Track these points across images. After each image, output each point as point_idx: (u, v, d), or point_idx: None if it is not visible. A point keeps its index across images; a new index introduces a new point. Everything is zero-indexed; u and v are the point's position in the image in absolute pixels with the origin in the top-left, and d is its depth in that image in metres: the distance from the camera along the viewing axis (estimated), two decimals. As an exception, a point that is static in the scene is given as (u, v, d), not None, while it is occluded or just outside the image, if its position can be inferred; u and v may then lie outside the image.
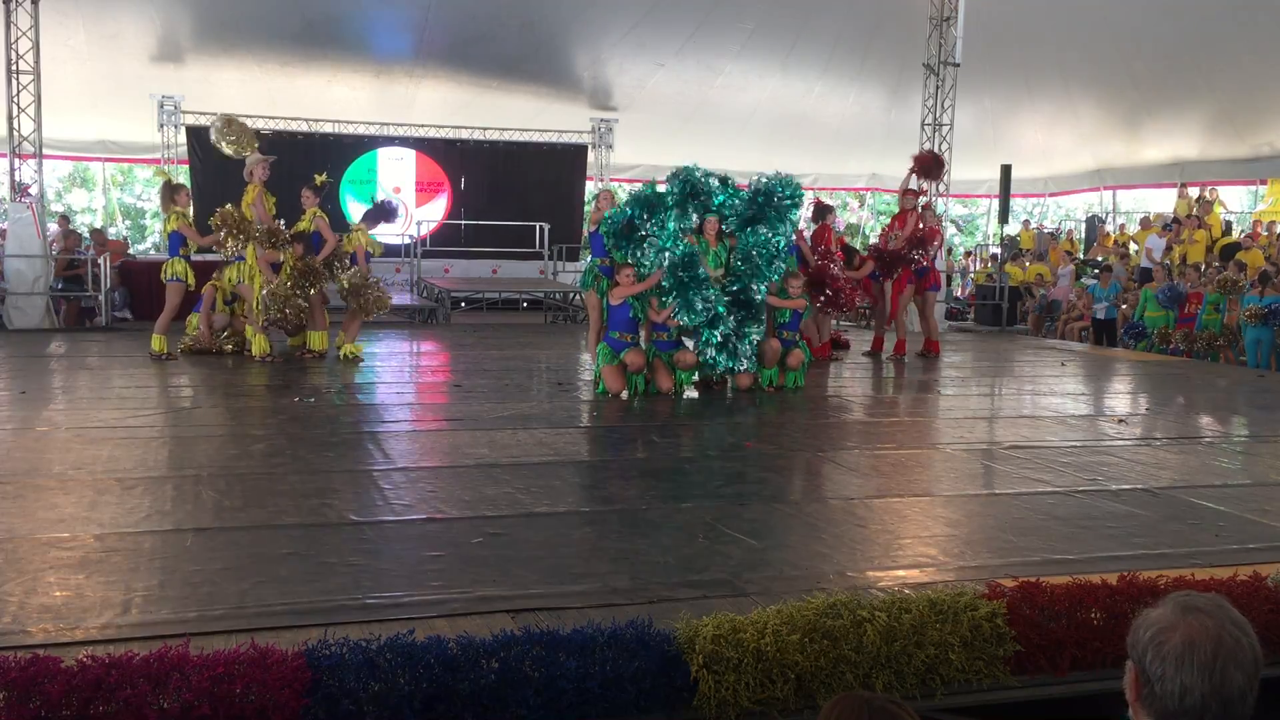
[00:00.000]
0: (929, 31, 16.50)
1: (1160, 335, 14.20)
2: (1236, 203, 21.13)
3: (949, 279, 18.43)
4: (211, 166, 18.57)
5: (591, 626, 3.36)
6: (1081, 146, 22.23)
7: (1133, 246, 19.14)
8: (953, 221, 24.55)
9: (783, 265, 9.41)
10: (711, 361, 9.07)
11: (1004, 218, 19.01)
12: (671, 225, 8.93)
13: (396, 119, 20.04)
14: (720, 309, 9.04)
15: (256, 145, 11.20)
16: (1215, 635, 1.64)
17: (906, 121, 18.30)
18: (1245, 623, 1.69)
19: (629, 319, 8.88)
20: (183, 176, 19.65)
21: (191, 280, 10.71)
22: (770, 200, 9.40)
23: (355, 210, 18.57)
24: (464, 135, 20.31)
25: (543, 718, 3.14)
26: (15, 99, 13.67)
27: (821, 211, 12.25)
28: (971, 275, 21.26)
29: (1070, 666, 3.63)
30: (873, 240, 14.49)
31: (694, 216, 9.32)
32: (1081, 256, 20.02)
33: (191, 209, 11.79)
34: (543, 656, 3.18)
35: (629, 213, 9.02)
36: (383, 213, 11.61)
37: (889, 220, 12.87)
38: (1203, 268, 15.64)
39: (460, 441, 7.03)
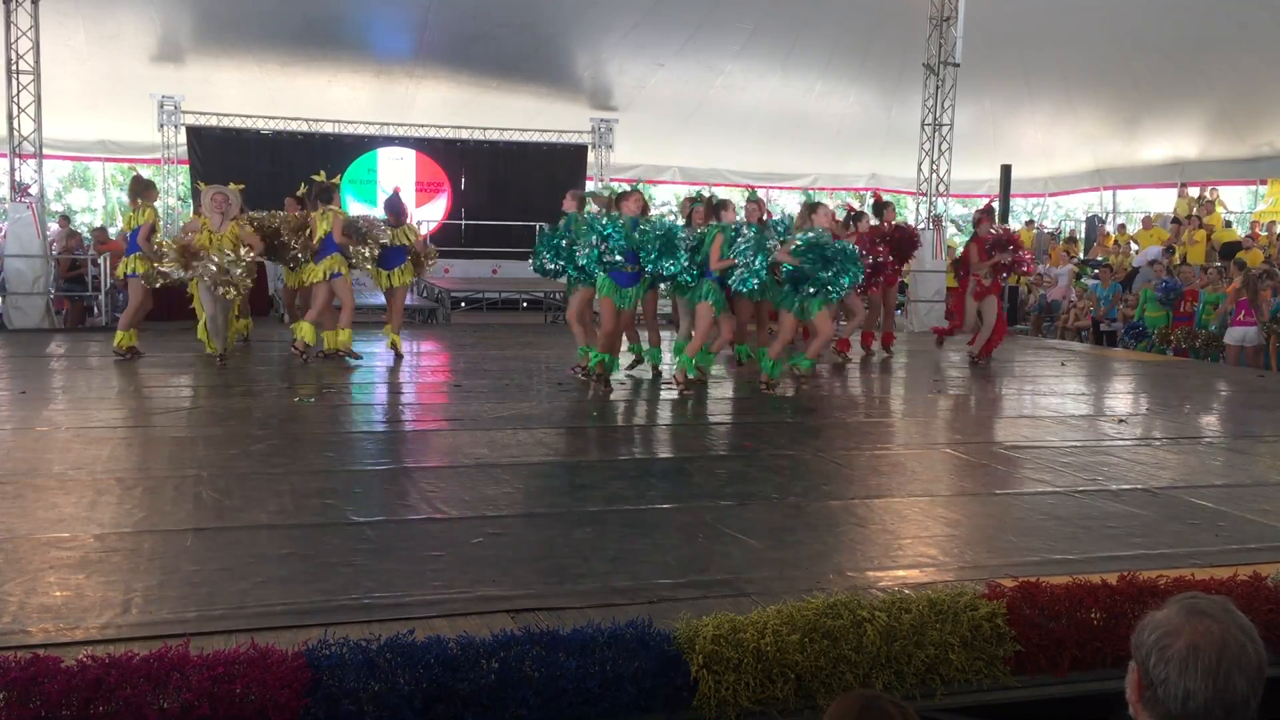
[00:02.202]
0: (929, 31, 16.50)
1: (1160, 335, 14.21)
2: (1236, 203, 21.12)
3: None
4: (211, 167, 18.59)
5: (591, 626, 3.36)
6: (1081, 146, 22.22)
7: (1133, 246, 19.14)
8: (952, 221, 24.53)
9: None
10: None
11: (1004, 218, 18.99)
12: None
13: (396, 119, 20.03)
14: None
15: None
16: (1220, 640, 1.64)
17: (906, 121, 18.29)
18: (1251, 627, 1.69)
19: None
20: (183, 176, 19.69)
21: (154, 278, 10.40)
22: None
23: (355, 211, 18.57)
24: (464, 135, 20.31)
25: (543, 718, 3.14)
26: (15, 99, 13.67)
27: (879, 208, 12.37)
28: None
29: (1070, 666, 3.63)
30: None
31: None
32: (1082, 256, 20.03)
33: (194, 210, 11.74)
34: (543, 656, 3.18)
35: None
36: (392, 207, 11.38)
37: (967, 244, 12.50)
38: (1209, 270, 15.64)
39: (460, 441, 7.03)
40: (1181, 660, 1.64)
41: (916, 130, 17.01)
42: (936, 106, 16.68)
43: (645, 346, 10.43)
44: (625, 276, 8.97)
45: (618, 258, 8.84)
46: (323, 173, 10.99)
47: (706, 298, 8.97)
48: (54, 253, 14.37)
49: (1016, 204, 22.86)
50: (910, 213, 19.59)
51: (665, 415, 8.34)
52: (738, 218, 9.31)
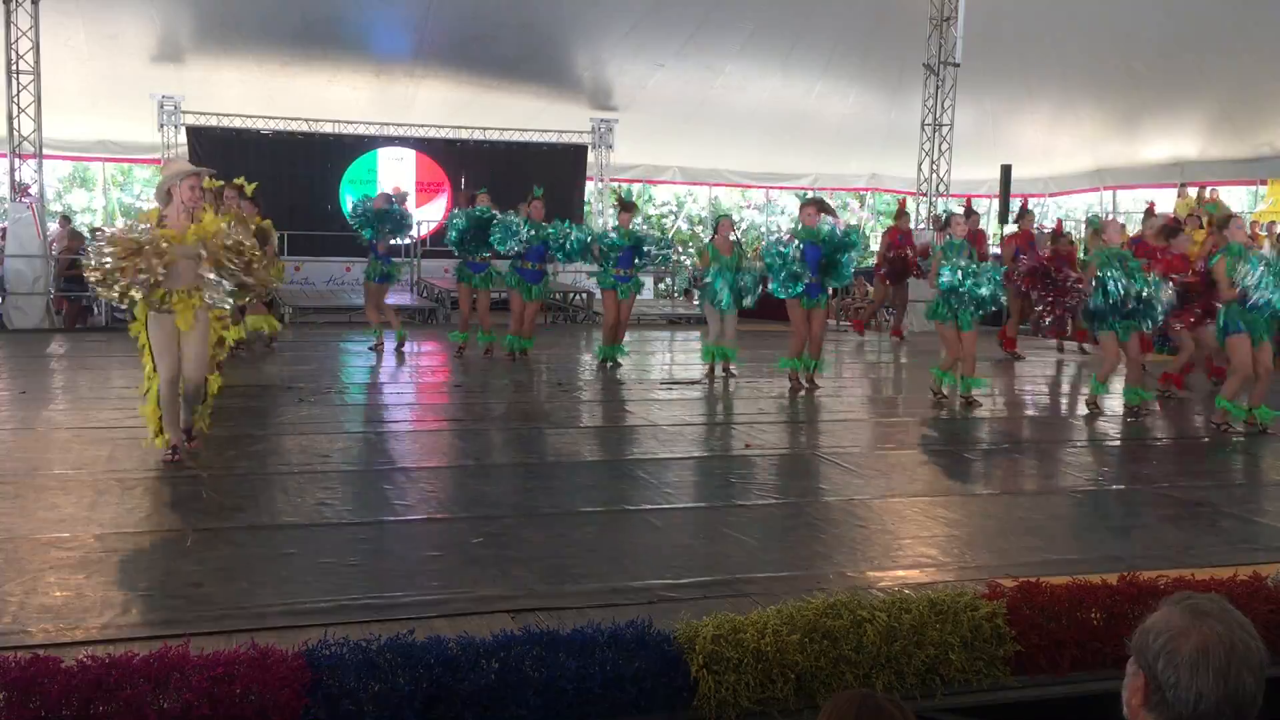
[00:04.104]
0: (929, 31, 16.49)
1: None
2: (1236, 203, 21.12)
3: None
4: (212, 166, 18.55)
5: (591, 626, 3.36)
6: (1081, 146, 22.20)
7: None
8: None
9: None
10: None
11: (1004, 218, 18.98)
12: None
13: (396, 119, 20.01)
14: None
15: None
16: (1228, 640, 1.65)
17: (906, 121, 18.28)
18: (1249, 624, 1.71)
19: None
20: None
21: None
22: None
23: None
24: (464, 135, 20.28)
25: (543, 718, 3.14)
26: (15, 99, 13.66)
27: (1022, 213, 12.41)
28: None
29: (1070, 666, 3.63)
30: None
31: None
32: (1082, 256, 20.00)
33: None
34: (543, 656, 3.18)
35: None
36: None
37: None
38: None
39: (460, 442, 7.03)
40: (1192, 662, 1.65)
41: (916, 130, 17.01)
42: (936, 106, 16.68)
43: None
44: (815, 288, 9.31)
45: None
46: None
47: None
48: (54, 253, 14.37)
49: (1016, 204, 22.85)
50: (910, 213, 19.55)
51: (666, 416, 8.33)
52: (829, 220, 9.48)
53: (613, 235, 10.57)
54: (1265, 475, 6.74)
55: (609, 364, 10.57)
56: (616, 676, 3.20)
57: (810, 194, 10.85)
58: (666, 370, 11.59)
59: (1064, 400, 9.69)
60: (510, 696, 3.11)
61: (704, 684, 3.27)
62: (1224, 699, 1.64)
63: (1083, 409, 8.63)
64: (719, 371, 10.06)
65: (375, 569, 4.32)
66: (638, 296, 11.34)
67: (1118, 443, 7.63)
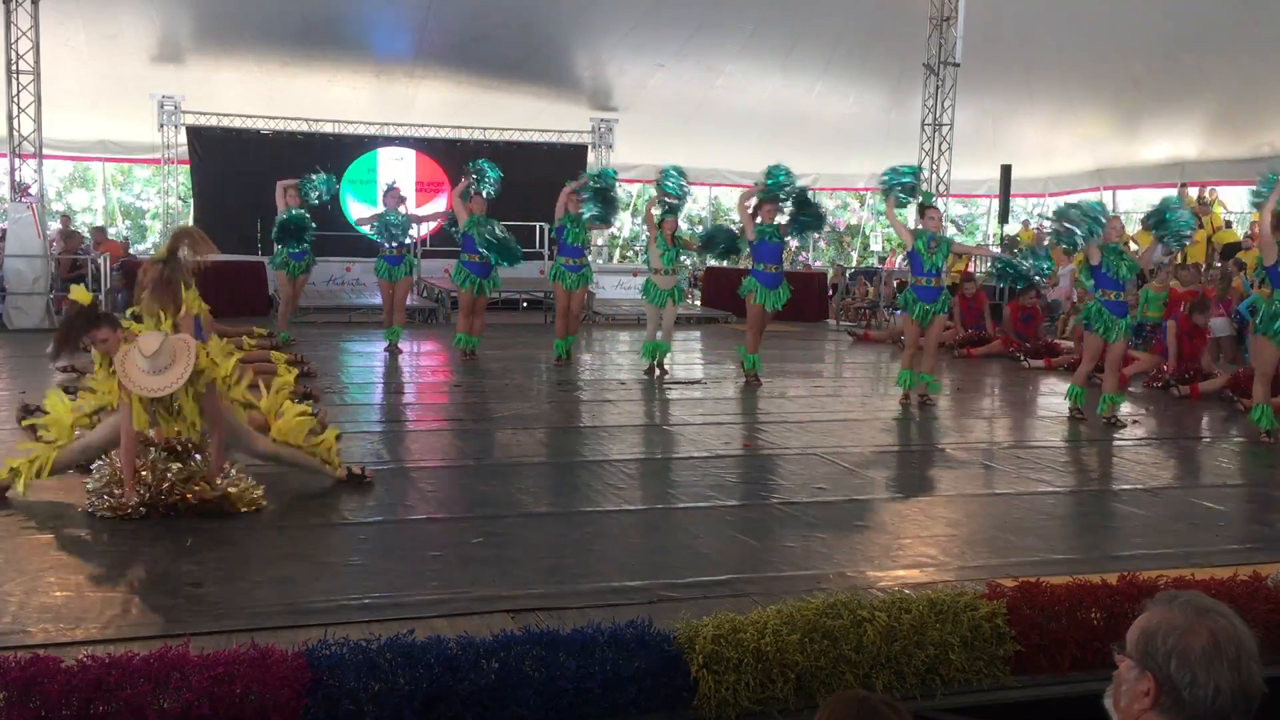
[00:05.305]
0: (929, 31, 16.50)
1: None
2: (1236, 203, 21.12)
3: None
4: (212, 166, 18.58)
5: (591, 626, 3.36)
6: (1081, 146, 22.21)
7: (1132, 246, 19.13)
8: (952, 221, 24.53)
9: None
10: None
11: (1004, 218, 19.01)
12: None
13: (396, 119, 20.01)
14: None
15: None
16: (1234, 633, 1.68)
17: (906, 121, 18.30)
18: (1236, 615, 1.74)
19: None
20: (183, 176, 19.70)
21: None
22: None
23: (356, 211, 18.54)
24: (464, 135, 20.28)
25: (543, 718, 3.14)
26: (15, 99, 13.66)
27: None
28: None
29: (1070, 666, 3.63)
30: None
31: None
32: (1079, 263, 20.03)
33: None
34: (543, 656, 3.19)
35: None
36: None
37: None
38: (1203, 267, 15.66)
39: (460, 441, 7.03)
40: (1207, 658, 1.67)
41: (916, 130, 17.02)
42: (936, 106, 16.69)
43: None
44: (769, 277, 9.63)
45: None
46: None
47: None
48: (54, 253, 14.36)
49: (1016, 204, 22.88)
50: (910, 213, 19.54)
51: (666, 415, 8.34)
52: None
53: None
54: (1266, 475, 6.73)
55: (559, 359, 10.67)
56: (616, 676, 3.20)
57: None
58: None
59: (1065, 402, 9.68)
60: (510, 696, 3.11)
61: (704, 684, 3.27)
62: (1238, 690, 1.66)
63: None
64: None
65: (375, 569, 4.32)
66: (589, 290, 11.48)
67: (1115, 444, 7.63)
